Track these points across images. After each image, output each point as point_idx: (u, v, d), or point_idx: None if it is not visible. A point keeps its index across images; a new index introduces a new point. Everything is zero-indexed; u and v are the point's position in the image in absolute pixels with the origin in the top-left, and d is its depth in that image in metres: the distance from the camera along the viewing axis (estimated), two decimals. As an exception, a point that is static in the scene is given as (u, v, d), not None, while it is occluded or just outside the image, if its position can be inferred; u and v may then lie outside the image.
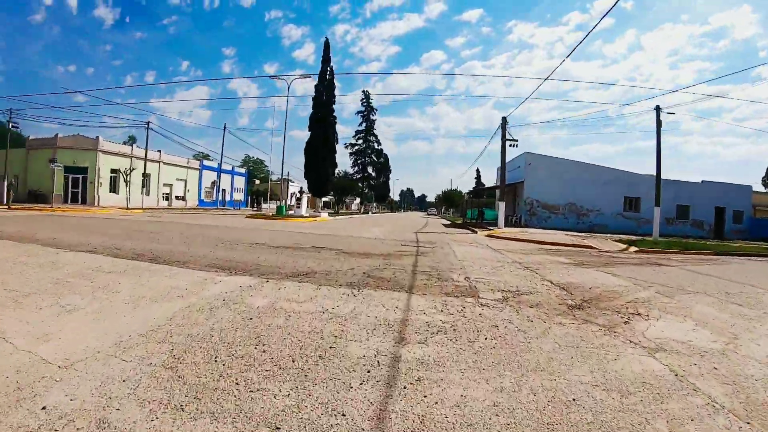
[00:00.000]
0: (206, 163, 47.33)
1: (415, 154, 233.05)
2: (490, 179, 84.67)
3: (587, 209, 27.56)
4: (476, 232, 20.34)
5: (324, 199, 52.73)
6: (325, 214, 29.90)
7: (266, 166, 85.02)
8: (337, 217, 31.50)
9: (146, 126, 33.51)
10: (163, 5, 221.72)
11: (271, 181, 55.60)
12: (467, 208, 36.63)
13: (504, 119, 23.22)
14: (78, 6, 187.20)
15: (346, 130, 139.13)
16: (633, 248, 15.03)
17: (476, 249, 11.46)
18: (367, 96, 63.90)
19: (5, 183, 27.30)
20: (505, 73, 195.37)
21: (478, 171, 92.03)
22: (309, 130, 34.61)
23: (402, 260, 7.71)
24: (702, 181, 29.12)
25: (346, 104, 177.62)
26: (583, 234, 21.36)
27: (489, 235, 18.57)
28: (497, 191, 38.95)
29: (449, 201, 78.98)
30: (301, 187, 33.43)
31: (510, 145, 23.15)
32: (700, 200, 27.65)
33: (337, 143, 35.94)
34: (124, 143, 40.31)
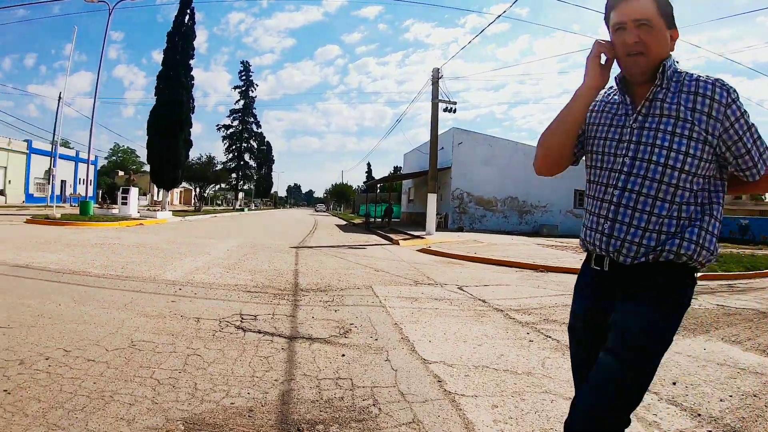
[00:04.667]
0: (37, 146, 32.49)
1: (306, 150, 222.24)
2: (381, 173, 78.08)
3: (532, 205, 21.21)
4: (398, 243, 12.28)
5: (203, 192, 40.93)
6: (166, 214, 19.54)
7: (137, 156, 69.20)
8: (187, 217, 21.01)
9: None
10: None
11: (136, 174, 41.65)
12: (360, 203, 28.40)
13: (436, 70, 15.49)
14: None
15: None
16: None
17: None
18: (246, 67, 52.30)
19: None
20: (398, 71, 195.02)
21: (369, 164, 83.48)
22: (155, 95, 23.42)
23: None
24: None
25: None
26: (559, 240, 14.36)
27: (423, 250, 10.62)
28: (405, 181, 28.44)
29: (340, 195, 69.81)
30: (130, 173, 21.61)
31: (446, 109, 15.51)
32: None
33: (192, 113, 24.86)
34: None
